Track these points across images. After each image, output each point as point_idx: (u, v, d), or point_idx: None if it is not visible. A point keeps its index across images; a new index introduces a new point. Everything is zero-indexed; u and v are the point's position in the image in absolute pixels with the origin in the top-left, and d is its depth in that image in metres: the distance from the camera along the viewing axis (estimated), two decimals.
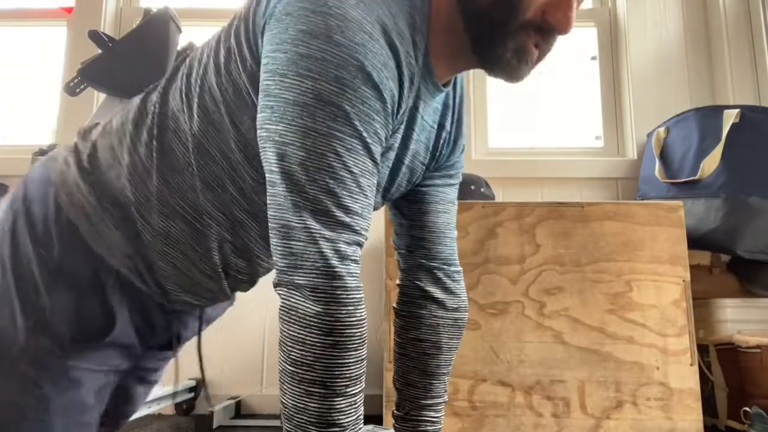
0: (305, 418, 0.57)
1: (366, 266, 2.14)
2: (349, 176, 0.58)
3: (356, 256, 0.60)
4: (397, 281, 0.91)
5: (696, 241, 1.70)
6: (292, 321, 0.57)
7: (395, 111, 0.64)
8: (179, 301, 0.76)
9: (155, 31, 1.55)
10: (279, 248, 0.58)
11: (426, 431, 0.85)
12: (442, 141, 0.81)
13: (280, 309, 0.59)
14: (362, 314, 0.60)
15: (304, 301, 0.57)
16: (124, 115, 0.76)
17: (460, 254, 1.58)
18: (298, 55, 0.58)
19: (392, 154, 0.73)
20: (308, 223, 0.57)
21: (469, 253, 1.51)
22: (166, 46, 1.55)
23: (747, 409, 1.47)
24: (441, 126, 0.80)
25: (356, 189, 0.59)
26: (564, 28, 0.64)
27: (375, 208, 0.80)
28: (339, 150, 0.58)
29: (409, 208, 0.87)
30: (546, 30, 0.65)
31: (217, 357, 2.05)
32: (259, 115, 0.61)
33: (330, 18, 0.58)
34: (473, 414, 1.43)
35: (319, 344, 0.57)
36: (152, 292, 0.74)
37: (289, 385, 0.58)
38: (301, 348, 0.57)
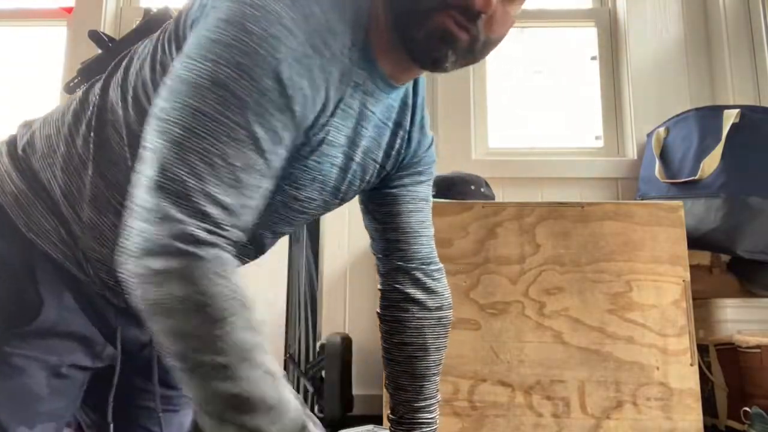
0: (221, 406, 0.51)
1: (366, 266, 2.14)
2: (224, 166, 0.54)
3: (217, 243, 0.54)
4: (378, 286, 0.90)
5: (696, 241, 1.70)
6: (162, 314, 0.52)
7: (310, 110, 0.62)
8: (124, 300, 0.71)
9: (155, 31, 1.55)
10: (134, 229, 0.53)
11: None
12: (399, 140, 0.80)
13: (143, 308, 0.53)
14: (237, 281, 0.54)
15: (164, 289, 0.51)
16: (66, 106, 0.74)
17: (460, 254, 1.59)
18: (208, 40, 0.57)
19: (335, 151, 0.70)
20: (164, 204, 0.52)
21: (469, 253, 1.51)
22: None
23: (747, 409, 1.47)
24: (398, 124, 0.79)
25: (232, 181, 0.55)
26: (482, 5, 0.60)
27: (327, 209, 0.81)
28: (221, 137, 0.54)
29: (380, 212, 0.86)
30: (466, 9, 0.61)
31: None
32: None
33: (248, 7, 0.56)
34: (473, 414, 1.43)
35: (199, 327, 0.51)
36: (93, 282, 0.71)
37: (189, 382, 0.52)
38: (183, 339, 0.52)
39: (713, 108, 1.87)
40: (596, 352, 1.45)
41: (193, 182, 0.53)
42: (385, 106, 0.74)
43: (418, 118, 0.82)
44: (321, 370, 1.79)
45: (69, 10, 2.44)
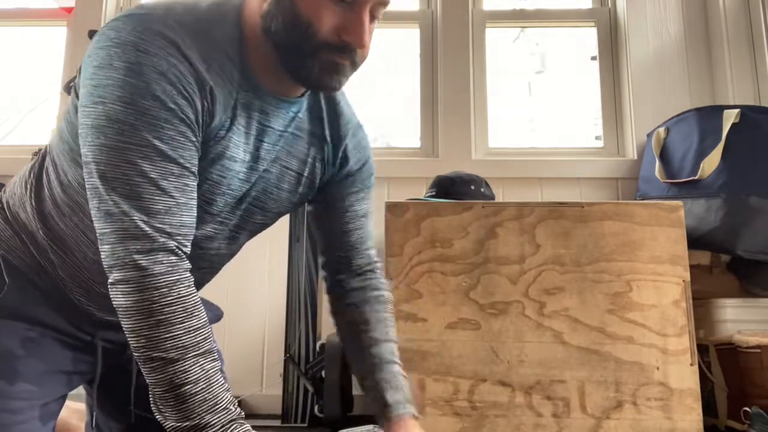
0: (160, 390, 0.65)
1: None
2: (145, 181, 0.67)
3: (163, 248, 0.67)
4: (326, 295, 0.99)
5: (696, 241, 1.70)
6: (122, 316, 0.66)
7: (201, 115, 0.72)
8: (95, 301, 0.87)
9: None
10: (101, 252, 0.68)
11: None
12: (319, 150, 0.88)
13: (116, 310, 0.68)
14: (180, 292, 0.67)
15: (123, 297, 0.66)
16: (30, 166, 0.89)
17: (460, 254, 1.58)
18: (92, 86, 0.69)
19: (238, 166, 0.79)
20: (115, 227, 0.66)
21: (469, 253, 1.51)
22: None
23: (747, 409, 1.47)
24: (313, 134, 0.87)
25: (156, 191, 0.67)
26: (359, 45, 0.73)
27: (265, 225, 0.90)
28: (132, 158, 0.66)
29: (314, 216, 0.95)
30: (346, 48, 0.73)
31: None
32: None
33: (110, 48, 0.68)
34: (473, 414, 1.43)
35: (145, 327, 0.65)
36: (62, 286, 0.85)
37: (145, 369, 0.66)
38: (134, 335, 0.66)
39: (713, 108, 1.87)
40: (596, 352, 1.45)
41: (127, 204, 0.66)
42: (284, 118, 0.82)
43: (349, 135, 0.90)
44: (321, 370, 1.79)
45: (69, 10, 2.44)
